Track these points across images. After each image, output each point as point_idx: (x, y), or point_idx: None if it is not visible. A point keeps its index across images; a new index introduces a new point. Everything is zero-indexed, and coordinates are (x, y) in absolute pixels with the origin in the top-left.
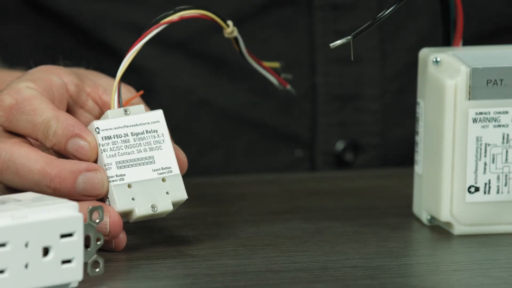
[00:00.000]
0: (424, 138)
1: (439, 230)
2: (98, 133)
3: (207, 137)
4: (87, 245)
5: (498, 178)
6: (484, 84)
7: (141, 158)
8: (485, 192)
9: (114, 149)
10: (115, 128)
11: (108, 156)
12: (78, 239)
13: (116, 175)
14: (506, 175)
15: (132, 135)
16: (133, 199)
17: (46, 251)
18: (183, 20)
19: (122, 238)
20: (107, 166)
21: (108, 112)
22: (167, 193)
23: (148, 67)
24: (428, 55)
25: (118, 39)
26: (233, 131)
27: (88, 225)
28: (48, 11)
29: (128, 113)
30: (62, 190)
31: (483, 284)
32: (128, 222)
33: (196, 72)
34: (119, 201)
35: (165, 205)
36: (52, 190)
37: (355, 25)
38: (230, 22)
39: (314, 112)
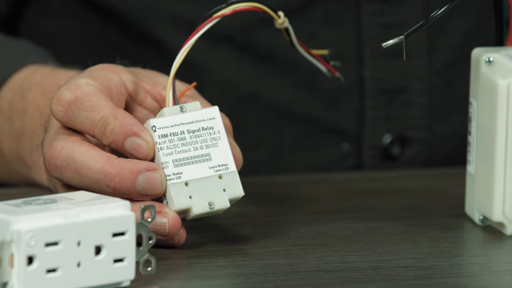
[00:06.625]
0: (477, 138)
1: (492, 230)
2: (155, 131)
3: (254, 132)
4: (139, 243)
5: None
6: None
7: (197, 156)
8: None
9: (171, 147)
10: (171, 126)
11: (165, 155)
12: (130, 238)
13: (173, 174)
14: None
15: (188, 132)
16: (190, 197)
17: (98, 250)
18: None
19: (183, 233)
20: (164, 165)
21: (164, 110)
22: (223, 190)
23: (196, 60)
24: (480, 55)
25: (164, 33)
26: (280, 125)
27: (140, 224)
28: (93, 4)
29: (184, 110)
30: (122, 190)
31: None
32: (185, 219)
33: (243, 66)
34: (177, 200)
35: (222, 203)
36: (112, 189)
37: (402, 18)
38: (281, 13)
39: (362, 106)
